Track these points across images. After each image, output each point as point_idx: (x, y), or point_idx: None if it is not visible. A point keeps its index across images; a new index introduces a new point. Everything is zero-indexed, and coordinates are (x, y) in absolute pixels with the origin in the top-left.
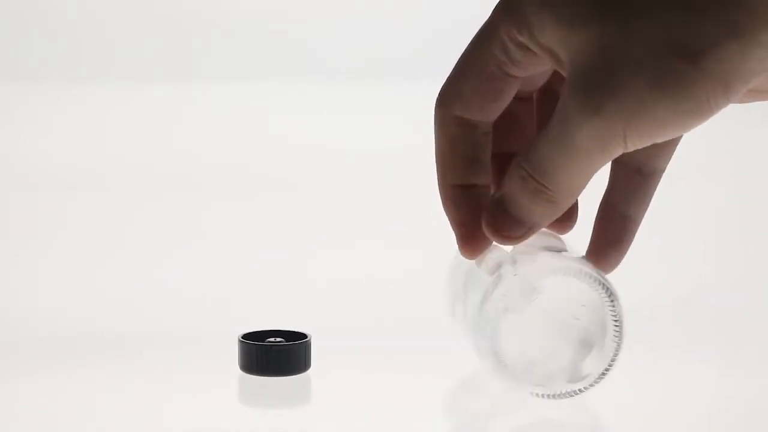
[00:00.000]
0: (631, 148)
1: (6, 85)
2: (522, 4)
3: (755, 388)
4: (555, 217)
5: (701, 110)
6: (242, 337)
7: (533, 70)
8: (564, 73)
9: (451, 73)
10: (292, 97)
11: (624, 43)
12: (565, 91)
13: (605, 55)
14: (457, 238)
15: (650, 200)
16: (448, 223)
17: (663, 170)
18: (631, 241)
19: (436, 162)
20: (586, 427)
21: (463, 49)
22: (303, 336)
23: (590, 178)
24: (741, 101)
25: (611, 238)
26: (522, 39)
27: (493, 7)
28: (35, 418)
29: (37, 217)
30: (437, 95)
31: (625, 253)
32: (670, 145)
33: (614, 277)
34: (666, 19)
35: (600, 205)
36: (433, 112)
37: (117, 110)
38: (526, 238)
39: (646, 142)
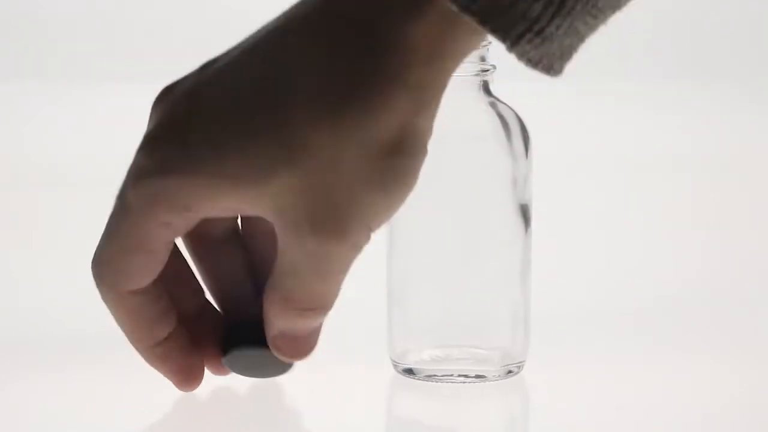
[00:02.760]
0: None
1: (6, 85)
2: (174, 184)
3: (755, 386)
4: None
5: (416, 177)
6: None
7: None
8: (258, 216)
9: (105, 249)
10: None
11: (328, 159)
12: (288, 231)
13: (314, 187)
14: (176, 384)
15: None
16: None
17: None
18: None
19: (124, 332)
20: (585, 424)
21: (109, 219)
22: None
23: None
24: None
25: None
26: (190, 215)
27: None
28: (35, 417)
29: (37, 217)
30: (96, 271)
31: None
32: None
33: (615, 274)
34: (351, 128)
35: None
36: (97, 287)
37: (118, 110)
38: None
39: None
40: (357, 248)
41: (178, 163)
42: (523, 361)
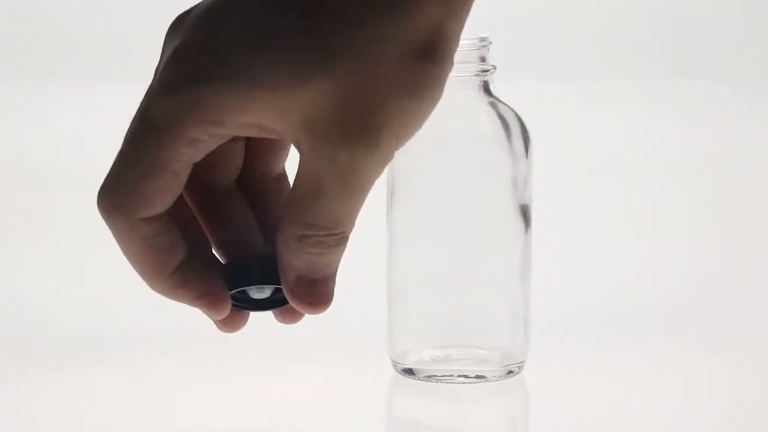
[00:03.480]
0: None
1: (7, 85)
2: (201, 94)
3: (755, 386)
4: None
5: (442, 89)
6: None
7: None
8: (288, 135)
9: (123, 174)
10: None
11: (363, 62)
12: (317, 145)
13: (349, 92)
14: (208, 310)
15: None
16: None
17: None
18: None
19: (137, 264)
20: (585, 424)
21: (127, 142)
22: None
23: None
24: None
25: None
26: (219, 130)
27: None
28: (35, 417)
29: (38, 217)
30: (110, 200)
31: None
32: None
33: (615, 275)
34: (385, 27)
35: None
36: (107, 219)
37: (118, 110)
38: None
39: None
40: (384, 162)
41: (209, 72)
42: (523, 361)
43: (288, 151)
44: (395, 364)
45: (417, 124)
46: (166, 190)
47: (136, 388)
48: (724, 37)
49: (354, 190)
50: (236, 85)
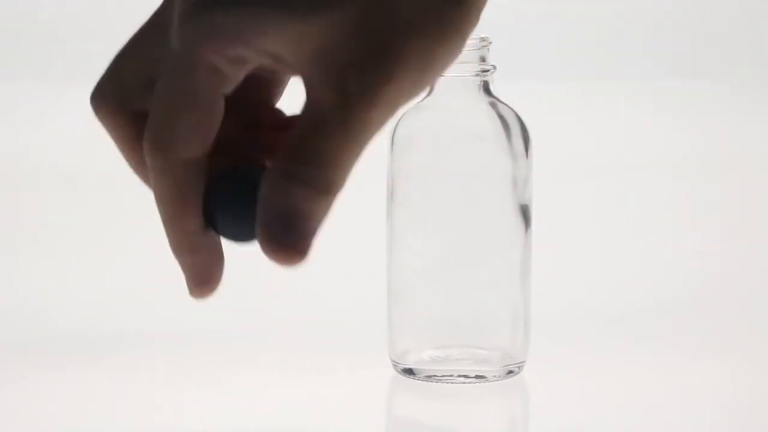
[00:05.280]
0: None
1: (6, 85)
2: (218, 17)
3: (754, 386)
4: None
5: (464, 41)
6: None
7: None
8: (295, 69)
9: (160, 113)
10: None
11: (384, 6)
12: (327, 74)
13: (367, 22)
14: (190, 283)
15: None
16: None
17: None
18: None
19: (165, 212)
20: (584, 424)
21: (161, 82)
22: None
23: None
24: None
25: None
26: (236, 52)
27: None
28: (35, 417)
29: (37, 217)
30: (155, 137)
31: None
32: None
33: (615, 275)
34: None
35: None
36: (149, 157)
37: None
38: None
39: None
40: (390, 112)
41: None
42: (523, 361)
43: (283, 90)
44: (395, 364)
45: (432, 70)
46: (199, 125)
47: (136, 388)
48: (724, 37)
49: (354, 132)
50: (253, 6)
